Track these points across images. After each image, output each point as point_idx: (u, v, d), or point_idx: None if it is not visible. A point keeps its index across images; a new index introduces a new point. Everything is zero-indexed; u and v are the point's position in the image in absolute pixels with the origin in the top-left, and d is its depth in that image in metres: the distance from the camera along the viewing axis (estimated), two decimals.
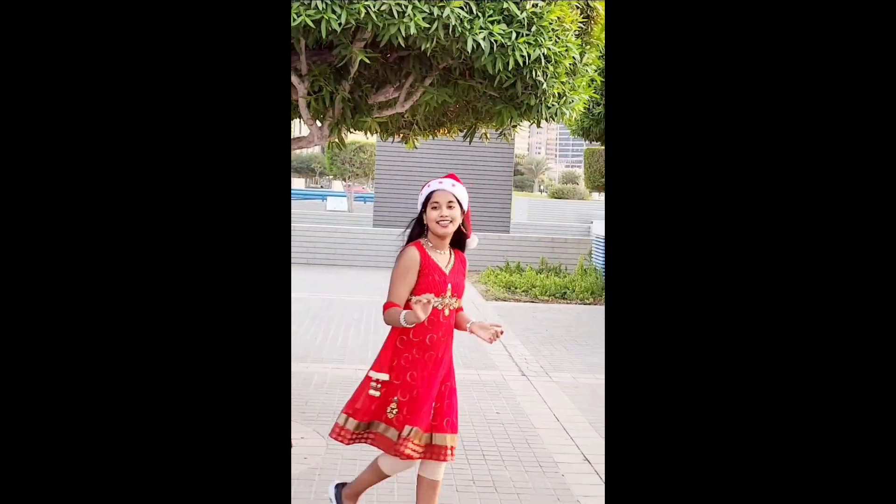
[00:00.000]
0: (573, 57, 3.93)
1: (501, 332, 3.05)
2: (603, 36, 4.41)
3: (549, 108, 4.06)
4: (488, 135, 5.32)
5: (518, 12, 3.55)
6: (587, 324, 9.43)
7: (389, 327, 3.07)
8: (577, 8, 4.01)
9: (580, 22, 4.03)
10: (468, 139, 5.21)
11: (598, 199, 35.69)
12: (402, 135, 5.53)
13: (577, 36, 4.09)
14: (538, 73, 3.74)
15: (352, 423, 3.01)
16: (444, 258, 3.07)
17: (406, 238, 3.12)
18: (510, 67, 3.60)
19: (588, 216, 24.78)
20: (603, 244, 12.45)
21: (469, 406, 5.48)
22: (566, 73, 4.02)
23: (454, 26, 3.42)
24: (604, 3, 4.27)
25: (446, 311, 3.04)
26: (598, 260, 12.59)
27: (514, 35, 3.56)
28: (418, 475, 3.11)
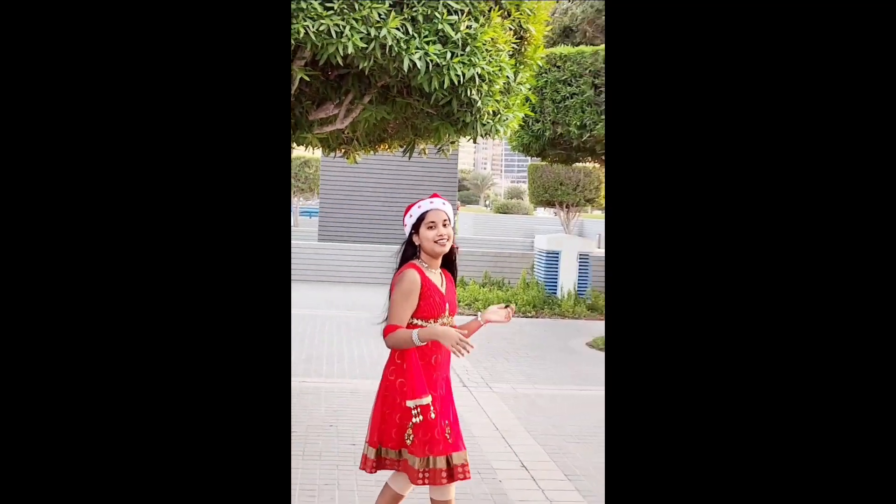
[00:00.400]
0: (507, 76, 4.09)
1: (513, 308, 3.11)
2: (536, 56, 4.58)
3: (485, 125, 4.22)
4: (427, 150, 5.46)
5: (453, 33, 3.70)
6: (528, 336, 9.60)
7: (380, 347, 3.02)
8: (511, 30, 4.17)
9: (513, 43, 4.20)
10: (407, 155, 5.33)
11: (542, 213, 36.15)
12: (343, 150, 5.63)
13: (511, 56, 4.25)
14: (473, 91, 3.88)
15: (371, 452, 2.96)
16: (437, 278, 3.05)
17: (399, 260, 3.07)
18: (446, 86, 3.74)
19: (532, 231, 25.09)
20: (545, 258, 12.67)
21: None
22: (500, 92, 4.18)
23: (391, 46, 3.55)
24: (540, 26, 4.45)
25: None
26: (541, 274, 12.80)
27: (449, 55, 3.70)
28: (431, 498, 3.02)
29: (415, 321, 2.93)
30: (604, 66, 8.33)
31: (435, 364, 2.96)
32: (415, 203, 3.09)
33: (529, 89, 4.74)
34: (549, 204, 21.06)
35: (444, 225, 2.99)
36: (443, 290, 3.03)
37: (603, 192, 20.13)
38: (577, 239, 13.37)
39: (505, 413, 5.84)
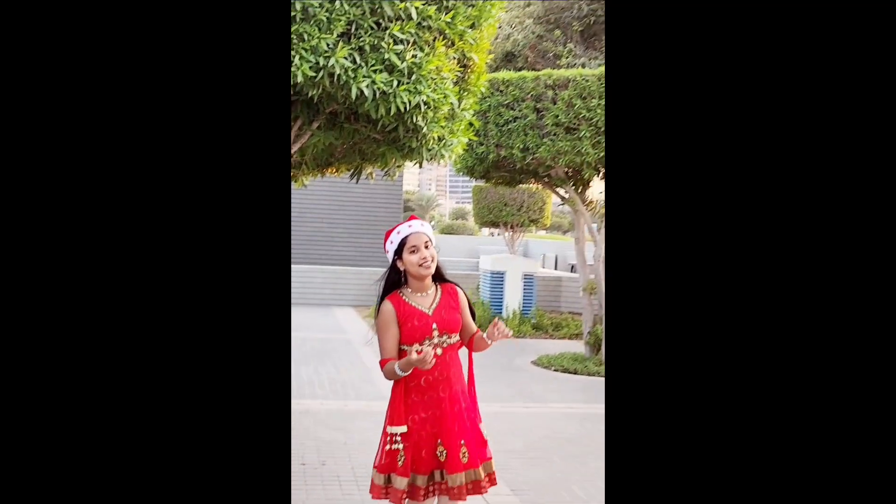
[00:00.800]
0: (451, 103, 4.25)
1: (506, 333, 3.00)
2: (479, 83, 4.75)
3: (430, 150, 4.36)
4: (374, 174, 5.58)
5: (399, 63, 3.84)
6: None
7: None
8: (455, 58, 4.33)
9: (457, 71, 4.36)
10: (355, 179, 5.45)
11: (487, 234, 36.49)
12: (291, 174, 5.72)
13: (455, 84, 4.41)
14: (418, 118, 4.03)
15: (379, 478, 2.99)
16: (427, 299, 3.04)
17: (381, 288, 3.09)
18: (392, 113, 3.87)
19: (476, 251, 25.32)
20: (490, 278, 12.86)
21: (359, 435, 5.66)
22: (445, 118, 4.33)
23: (339, 75, 3.68)
24: (482, 55, 4.62)
25: (438, 351, 2.98)
26: (486, 294, 12.98)
27: (395, 83, 3.84)
28: None
29: (403, 347, 2.97)
30: (544, 90, 8.58)
31: (426, 385, 2.98)
32: (393, 229, 3.10)
33: (473, 115, 4.90)
34: (494, 224, 21.30)
35: (427, 247, 3.00)
36: (430, 310, 3.02)
37: (547, 213, 20.46)
38: (522, 259, 13.60)
39: None
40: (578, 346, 10.17)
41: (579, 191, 9.36)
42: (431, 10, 3.98)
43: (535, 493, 4.63)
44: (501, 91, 8.83)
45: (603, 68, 8.69)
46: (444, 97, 4.13)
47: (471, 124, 4.90)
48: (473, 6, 4.30)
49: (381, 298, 3.06)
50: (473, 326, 3.19)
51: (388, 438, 2.96)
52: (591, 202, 9.60)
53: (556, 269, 22.85)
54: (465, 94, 4.66)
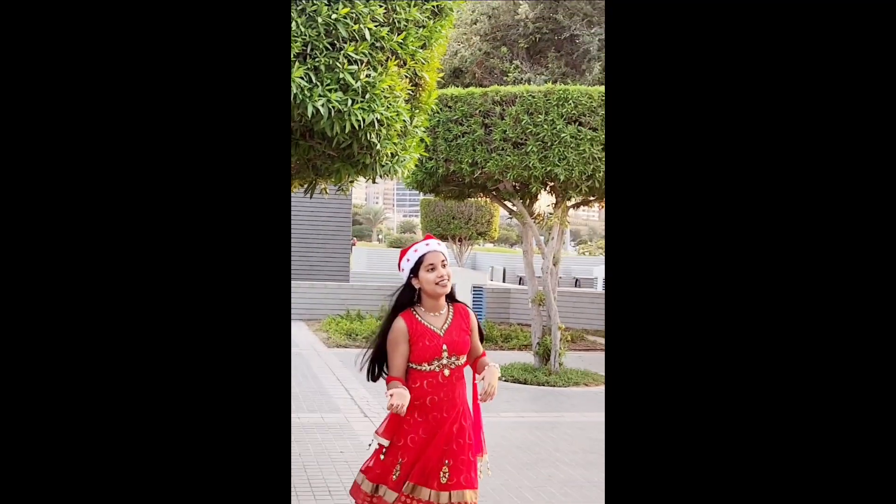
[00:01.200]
0: (404, 120, 4.38)
1: (490, 396, 3.04)
2: (430, 101, 4.90)
3: (383, 166, 4.49)
4: (327, 189, 5.68)
5: (353, 82, 3.96)
6: None
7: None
8: (407, 77, 4.46)
9: (409, 89, 4.50)
10: (309, 194, 5.54)
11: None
12: None
13: (407, 101, 4.55)
14: (372, 135, 4.15)
15: (367, 485, 3.00)
16: (439, 319, 3.05)
17: (392, 305, 3.10)
18: (347, 130, 3.99)
19: None
20: None
21: (314, 447, 5.73)
22: (398, 135, 4.46)
23: (295, 94, 3.78)
24: (433, 73, 4.76)
25: (446, 372, 3.01)
26: None
27: (349, 102, 3.96)
28: None
29: (412, 366, 3.00)
30: (492, 106, 8.77)
31: (431, 405, 3.00)
32: (410, 247, 3.14)
33: (424, 131, 5.05)
34: (442, 237, 21.49)
35: (443, 265, 3.03)
36: (441, 330, 3.04)
37: (495, 226, 20.70)
38: (470, 271, 13.78)
39: None
40: (528, 357, 10.35)
41: (527, 204, 9.56)
42: (384, 31, 4.12)
43: (488, 500, 4.75)
44: (450, 107, 8.99)
45: (548, 85, 8.91)
46: (397, 115, 4.26)
47: (422, 140, 5.04)
48: (424, 27, 4.44)
49: (393, 315, 3.06)
50: (480, 349, 3.23)
51: (382, 449, 2.99)
52: (538, 215, 9.81)
53: (504, 281, 23.09)
54: (417, 111, 4.81)
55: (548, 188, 9.29)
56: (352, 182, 5.28)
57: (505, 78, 12.40)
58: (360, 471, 3.06)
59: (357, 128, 4.03)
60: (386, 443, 2.98)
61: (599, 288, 18.47)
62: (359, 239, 44.74)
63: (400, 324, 3.00)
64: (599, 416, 7.35)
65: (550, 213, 9.73)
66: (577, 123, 8.58)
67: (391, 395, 2.84)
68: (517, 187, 9.28)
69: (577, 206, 10.20)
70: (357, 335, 11.92)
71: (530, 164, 8.55)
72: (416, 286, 3.06)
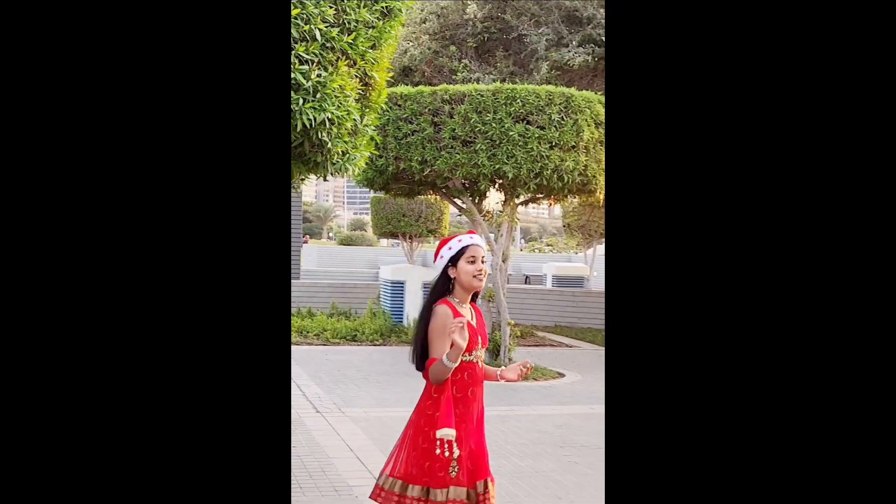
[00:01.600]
0: (354, 119, 4.46)
1: (530, 367, 3.02)
2: (380, 100, 4.98)
3: (335, 164, 4.56)
4: None
5: (304, 81, 4.02)
6: (377, 363, 9.93)
7: None
8: (357, 77, 4.53)
9: (359, 89, 4.57)
10: None
11: (386, 244, 36.65)
12: None
13: (357, 101, 4.62)
14: (323, 134, 4.22)
15: (416, 490, 2.86)
16: (468, 312, 3.05)
17: (431, 294, 3.08)
18: (298, 129, 4.05)
19: (376, 261, 25.46)
20: (390, 287, 13.05)
21: None
22: (348, 134, 4.53)
23: None
24: (382, 73, 4.84)
25: (480, 364, 3.03)
26: (386, 303, 13.17)
27: (301, 101, 4.02)
28: None
29: (448, 328, 2.91)
30: (441, 105, 8.87)
31: (471, 396, 2.98)
32: (454, 237, 3.14)
33: (374, 130, 5.12)
34: (393, 235, 21.52)
35: (483, 261, 3.04)
36: (474, 323, 3.05)
37: (445, 224, 20.81)
38: (421, 268, 13.86)
39: (358, 434, 6.13)
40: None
41: (476, 201, 9.69)
42: (335, 31, 4.19)
43: None
44: (400, 105, 9.07)
45: (496, 84, 9.05)
46: (348, 114, 4.33)
47: (372, 139, 5.12)
48: (374, 28, 4.52)
49: (430, 303, 3.05)
50: None
51: (440, 444, 2.84)
52: (487, 212, 9.95)
53: None
54: (367, 110, 4.88)
55: (496, 186, 9.43)
56: (303, 180, 5.33)
57: (454, 77, 12.51)
58: (392, 476, 2.92)
59: (308, 127, 4.09)
60: (453, 433, 2.85)
61: (549, 285, 18.72)
62: (309, 237, 44.52)
63: (446, 310, 2.96)
64: (548, 410, 7.51)
65: (500, 211, 9.88)
66: (524, 122, 8.73)
67: (453, 333, 2.78)
68: (466, 185, 9.40)
69: (525, 203, 10.36)
70: (308, 332, 11.93)
71: (479, 162, 8.67)
72: (452, 276, 3.04)
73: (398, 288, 12.96)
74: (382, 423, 6.53)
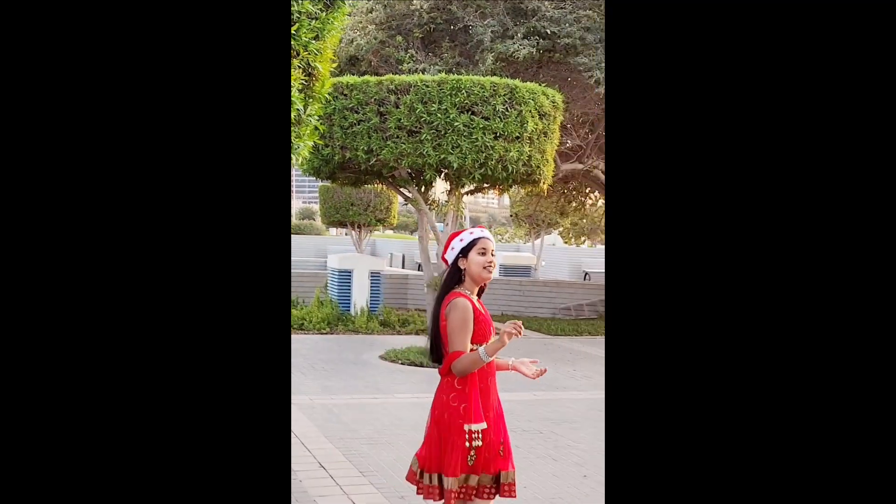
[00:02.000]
0: (297, 109, 4.50)
1: (545, 371, 3.13)
2: (323, 91, 5.03)
3: None
4: None
5: None
6: (324, 351, 9.97)
7: None
8: (300, 67, 4.58)
9: (303, 80, 4.61)
10: None
11: (334, 233, 36.51)
12: None
13: (301, 91, 4.66)
14: None
15: (453, 482, 2.92)
16: (477, 303, 3.09)
17: (443, 285, 3.11)
18: None
19: (324, 250, 25.38)
20: (337, 276, 13.07)
21: None
22: (292, 123, 4.58)
23: None
24: (326, 64, 4.89)
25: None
26: (334, 292, 13.19)
27: None
28: None
29: (475, 347, 2.98)
30: (387, 95, 8.92)
31: (489, 386, 3.04)
32: (464, 230, 3.18)
33: (318, 119, 5.17)
34: (341, 224, 21.47)
35: (493, 254, 3.09)
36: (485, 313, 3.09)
37: (393, 213, 20.84)
38: (369, 258, 13.91)
39: (303, 421, 6.19)
40: (423, 341, 10.58)
41: (422, 191, 9.77)
42: None
43: (383, 475, 4.95)
44: (346, 95, 9.09)
45: (442, 75, 9.13)
46: (291, 104, 4.37)
47: (316, 128, 5.16)
48: (317, 19, 4.57)
49: (443, 295, 3.09)
50: None
51: (469, 436, 2.92)
52: (433, 202, 10.04)
53: (403, 267, 23.29)
54: (311, 100, 4.92)
55: (442, 175, 9.52)
56: None
57: (400, 67, 12.55)
58: (434, 472, 3.01)
59: None
60: (485, 425, 2.94)
61: (496, 274, 18.91)
62: None
63: (466, 303, 3.00)
64: None
65: (445, 201, 9.98)
66: (469, 113, 8.83)
67: (503, 336, 2.83)
68: (412, 174, 9.47)
69: (471, 192, 10.47)
70: None
71: (424, 152, 8.75)
72: (462, 267, 3.09)
73: (346, 277, 12.99)
74: (328, 410, 6.60)
